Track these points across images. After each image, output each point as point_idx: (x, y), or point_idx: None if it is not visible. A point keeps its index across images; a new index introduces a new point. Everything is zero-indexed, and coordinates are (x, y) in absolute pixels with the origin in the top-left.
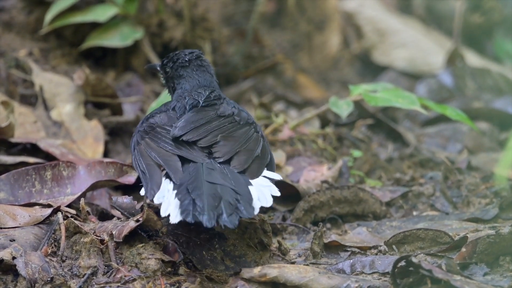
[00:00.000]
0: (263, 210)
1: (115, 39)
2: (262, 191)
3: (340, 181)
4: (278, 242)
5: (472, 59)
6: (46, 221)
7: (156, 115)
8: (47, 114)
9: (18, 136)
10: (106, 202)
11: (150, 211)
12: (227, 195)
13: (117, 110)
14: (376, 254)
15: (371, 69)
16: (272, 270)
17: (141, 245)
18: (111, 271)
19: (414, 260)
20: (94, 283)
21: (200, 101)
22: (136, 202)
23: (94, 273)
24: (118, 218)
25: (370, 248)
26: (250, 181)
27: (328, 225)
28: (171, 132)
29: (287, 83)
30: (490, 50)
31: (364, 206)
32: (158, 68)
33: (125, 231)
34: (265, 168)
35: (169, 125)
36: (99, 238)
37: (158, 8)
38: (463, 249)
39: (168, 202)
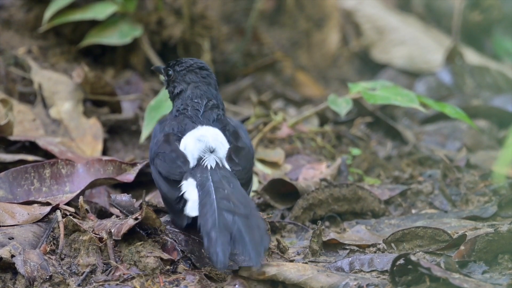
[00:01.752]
0: (261, 208)
1: (114, 37)
2: None
3: (339, 179)
4: (277, 240)
5: (471, 57)
6: (44, 219)
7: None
8: (46, 112)
9: (17, 134)
10: (105, 200)
11: (149, 209)
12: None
13: (116, 108)
14: (375, 252)
15: (370, 67)
16: (271, 268)
17: (140, 243)
18: (109, 269)
19: (413, 258)
20: (93, 281)
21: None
22: (134, 200)
23: (93, 271)
24: (117, 216)
25: (369, 246)
26: None
27: (327, 223)
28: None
29: (286, 81)
30: (489, 48)
31: (362, 204)
32: (162, 70)
33: (124, 229)
34: None
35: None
36: (98, 236)
37: (157, 6)
38: (462, 247)
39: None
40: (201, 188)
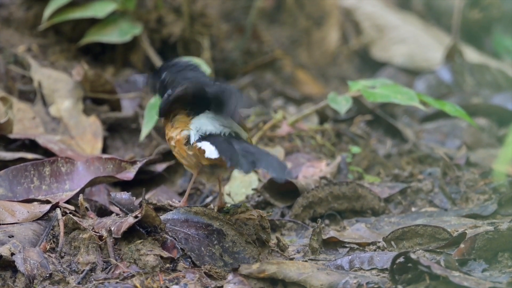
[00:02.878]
0: (261, 206)
1: (114, 35)
2: None
3: (339, 177)
4: (277, 238)
5: (471, 55)
6: (44, 217)
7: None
8: (45, 110)
9: (17, 132)
10: (105, 198)
11: (149, 207)
12: None
13: (115, 106)
14: (375, 250)
15: (370, 65)
16: (271, 266)
17: (139, 241)
18: (109, 267)
19: (413, 256)
20: (92, 279)
21: None
22: (134, 198)
23: (92, 269)
24: (117, 214)
25: (368, 244)
26: None
27: (327, 221)
28: None
29: (285, 79)
30: (489, 46)
31: (362, 202)
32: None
33: (124, 227)
34: None
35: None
36: (98, 234)
37: (157, 4)
38: (462, 245)
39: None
40: (217, 142)
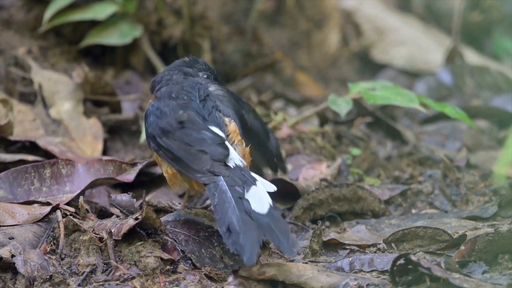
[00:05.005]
0: None
1: (114, 37)
2: None
3: (339, 179)
4: None
5: (471, 57)
6: (45, 219)
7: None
8: (46, 112)
9: (17, 134)
10: (105, 200)
11: (149, 209)
12: None
13: (116, 108)
14: (375, 252)
15: (370, 67)
16: (271, 268)
17: (140, 243)
18: (110, 269)
19: (413, 258)
20: (93, 281)
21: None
22: (135, 200)
23: (93, 271)
24: (117, 216)
25: (369, 246)
26: None
27: (327, 223)
28: None
29: (286, 81)
30: (489, 48)
31: (363, 204)
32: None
33: (124, 229)
34: None
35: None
36: (98, 236)
37: (157, 6)
38: (462, 247)
39: None
40: None
